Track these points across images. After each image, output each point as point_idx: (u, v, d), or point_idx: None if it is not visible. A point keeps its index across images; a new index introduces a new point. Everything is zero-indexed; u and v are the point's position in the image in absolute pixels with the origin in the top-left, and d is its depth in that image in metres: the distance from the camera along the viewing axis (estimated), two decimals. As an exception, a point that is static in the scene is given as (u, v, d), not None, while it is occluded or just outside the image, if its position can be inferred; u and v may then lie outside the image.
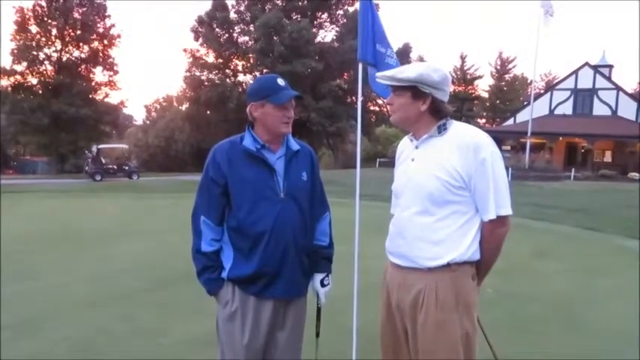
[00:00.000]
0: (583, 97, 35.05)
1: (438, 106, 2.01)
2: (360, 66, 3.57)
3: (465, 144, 1.94)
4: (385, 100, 2.12)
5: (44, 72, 39.19)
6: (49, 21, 38.23)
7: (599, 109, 34.47)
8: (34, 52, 37.65)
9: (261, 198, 2.18)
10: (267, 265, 2.19)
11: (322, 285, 2.41)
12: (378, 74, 2.12)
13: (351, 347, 3.37)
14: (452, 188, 1.93)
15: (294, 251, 2.24)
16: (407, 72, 1.99)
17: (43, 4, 37.85)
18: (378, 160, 38.40)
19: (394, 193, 2.21)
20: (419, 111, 2.01)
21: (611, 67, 36.15)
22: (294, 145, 2.32)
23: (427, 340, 1.98)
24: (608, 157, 34.22)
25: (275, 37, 39.41)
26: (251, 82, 37.88)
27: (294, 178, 2.26)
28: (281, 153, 2.28)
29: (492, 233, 1.98)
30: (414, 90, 1.99)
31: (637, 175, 28.40)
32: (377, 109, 44.86)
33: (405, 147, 2.19)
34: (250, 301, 2.23)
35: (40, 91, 38.52)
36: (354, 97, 46.93)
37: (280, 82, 2.22)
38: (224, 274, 2.26)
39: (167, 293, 5.37)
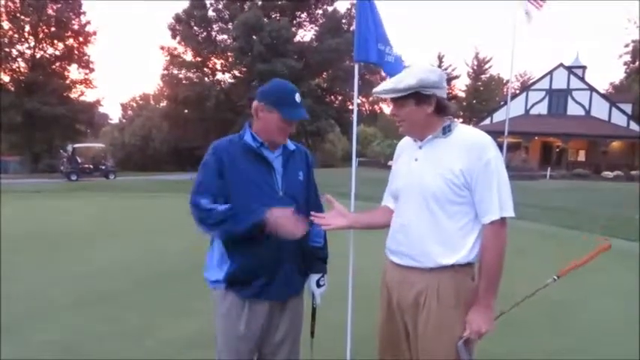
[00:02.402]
0: (557, 98, 35.65)
1: (442, 105, 2.02)
2: (357, 67, 3.56)
3: (470, 146, 1.95)
4: (389, 113, 2.11)
5: (17, 69, 38.36)
6: (22, 17, 37.35)
7: (573, 109, 35.10)
8: (7, 49, 36.75)
9: (260, 195, 2.16)
10: (265, 265, 2.17)
11: (318, 285, 2.40)
12: (377, 89, 2.07)
13: (344, 347, 3.37)
14: (455, 189, 1.94)
15: (292, 251, 2.23)
16: (406, 80, 1.97)
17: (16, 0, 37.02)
18: (357, 159, 38.50)
19: (391, 191, 2.22)
20: (426, 114, 2.00)
21: (584, 68, 36.84)
22: (290, 145, 2.33)
23: (428, 340, 1.99)
24: (582, 156, 34.94)
25: (254, 36, 39.25)
26: (230, 80, 37.07)
27: (291, 178, 2.27)
28: (278, 152, 2.28)
29: (496, 236, 1.95)
30: (417, 96, 1.98)
31: (610, 174, 29.05)
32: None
33: (406, 147, 2.19)
34: (246, 304, 2.20)
35: (13, 89, 37.65)
36: (332, 97, 47.06)
37: (297, 98, 2.21)
38: (220, 276, 2.21)
39: (149, 294, 5.31)
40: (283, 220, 2.05)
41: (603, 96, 36.14)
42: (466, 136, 2.00)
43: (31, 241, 8.10)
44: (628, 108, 34.75)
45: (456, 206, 1.96)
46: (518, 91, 39.70)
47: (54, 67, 39.54)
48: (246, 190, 2.16)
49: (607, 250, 2.47)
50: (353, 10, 38.53)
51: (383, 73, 3.55)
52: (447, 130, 2.02)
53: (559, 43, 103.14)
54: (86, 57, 40.32)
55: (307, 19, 46.01)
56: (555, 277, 2.33)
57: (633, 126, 33.35)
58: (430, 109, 1.99)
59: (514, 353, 3.88)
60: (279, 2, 43.32)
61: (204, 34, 43.97)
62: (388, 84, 2.05)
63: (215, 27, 44.53)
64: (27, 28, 37.83)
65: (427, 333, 1.99)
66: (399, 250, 2.08)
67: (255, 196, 2.15)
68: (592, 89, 35.18)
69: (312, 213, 2.25)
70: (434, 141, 2.04)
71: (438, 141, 2.03)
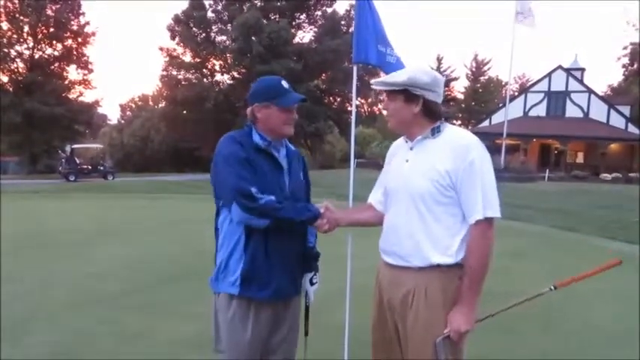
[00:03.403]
0: (556, 100, 35.68)
1: (430, 108, 2.05)
2: (355, 68, 3.56)
3: (455, 146, 1.98)
4: (382, 105, 2.18)
5: (16, 70, 38.29)
6: (21, 18, 37.28)
7: (572, 111, 35.14)
8: (5, 50, 36.68)
9: (273, 194, 2.14)
10: (276, 265, 2.18)
11: (311, 283, 2.43)
12: (373, 81, 2.18)
13: (341, 348, 3.36)
14: (442, 189, 1.96)
15: (298, 250, 2.28)
16: (397, 76, 2.06)
17: (15, 0, 36.93)
18: (356, 160, 38.50)
19: (382, 190, 2.26)
20: (412, 113, 2.05)
21: (583, 70, 36.87)
22: (290, 147, 2.39)
23: (416, 339, 2.01)
24: (580, 158, 34.99)
25: (253, 37, 39.26)
26: (229, 81, 37.08)
27: (295, 178, 2.33)
28: (284, 154, 2.32)
29: (481, 236, 1.96)
30: (406, 93, 2.03)
31: (609, 176, 29.07)
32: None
33: (398, 148, 2.23)
34: (251, 309, 2.21)
35: (12, 89, 37.57)
36: (331, 98, 47.07)
37: (285, 84, 2.26)
38: (236, 276, 2.18)
39: (147, 296, 5.29)
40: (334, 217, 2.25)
41: (602, 98, 36.17)
42: (452, 137, 2.04)
43: (30, 241, 8.08)
44: (626, 110, 34.80)
45: (443, 207, 1.99)
46: (516, 93, 39.76)
47: (53, 67, 39.49)
48: (262, 188, 2.13)
49: (616, 265, 2.46)
50: (352, 12, 38.58)
51: (382, 74, 3.52)
52: (435, 132, 2.06)
53: (558, 45, 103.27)
54: (85, 57, 40.28)
55: (306, 21, 46.04)
56: (552, 287, 2.32)
57: (631, 128, 33.37)
58: (417, 109, 2.04)
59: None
60: (279, 3, 43.36)
61: (203, 35, 43.97)
62: (382, 78, 2.16)
63: (214, 28, 44.54)
64: (26, 28, 37.76)
65: (415, 332, 2.01)
66: (390, 249, 2.12)
67: (269, 194, 2.14)
68: (590, 91, 35.22)
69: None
70: (423, 142, 2.08)
71: (428, 142, 2.07)
